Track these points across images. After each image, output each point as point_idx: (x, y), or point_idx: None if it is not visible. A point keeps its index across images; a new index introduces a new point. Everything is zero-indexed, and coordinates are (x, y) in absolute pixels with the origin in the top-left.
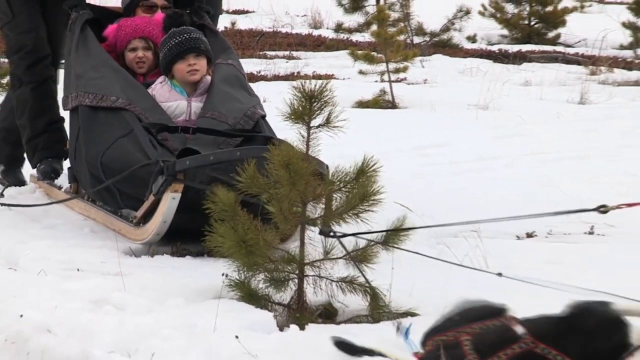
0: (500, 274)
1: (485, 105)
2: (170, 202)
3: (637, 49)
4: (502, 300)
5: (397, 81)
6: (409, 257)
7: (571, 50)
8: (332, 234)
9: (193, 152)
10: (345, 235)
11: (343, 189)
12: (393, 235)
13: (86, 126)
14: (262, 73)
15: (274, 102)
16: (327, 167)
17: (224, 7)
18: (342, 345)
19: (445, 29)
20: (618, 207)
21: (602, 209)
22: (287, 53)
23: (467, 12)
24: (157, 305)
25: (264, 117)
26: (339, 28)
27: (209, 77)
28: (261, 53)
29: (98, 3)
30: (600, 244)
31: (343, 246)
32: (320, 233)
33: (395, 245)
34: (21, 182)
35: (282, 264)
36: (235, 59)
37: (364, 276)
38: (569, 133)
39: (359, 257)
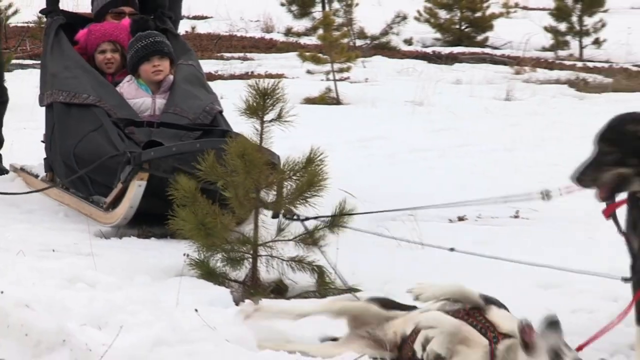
0: (452, 249)
1: (420, 102)
2: (136, 189)
3: (557, 51)
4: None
5: (341, 80)
6: (352, 240)
7: (498, 52)
8: (295, 217)
9: (157, 144)
10: (307, 218)
11: (293, 177)
12: (340, 219)
13: (60, 121)
14: (220, 73)
15: (231, 99)
16: (278, 157)
17: (185, 13)
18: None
19: (385, 32)
20: (560, 192)
21: (545, 196)
22: (242, 55)
23: (404, 18)
24: (125, 283)
25: (221, 112)
26: (288, 32)
27: (171, 77)
28: (218, 55)
29: (70, 9)
30: (524, 226)
31: (306, 228)
32: (273, 217)
33: (355, 227)
34: (1, 172)
35: (238, 245)
36: (195, 60)
37: (325, 257)
38: (496, 127)
39: (309, 240)
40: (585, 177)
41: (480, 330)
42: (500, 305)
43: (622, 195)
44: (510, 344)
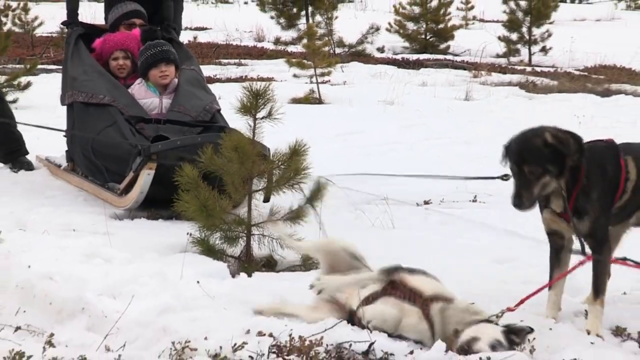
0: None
1: (391, 101)
2: (146, 177)
3: (509, 57)
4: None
5: (322, 83)
6: (332, 221)
7: (458, 58)
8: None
9: (164, 138)
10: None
11: (281, 166)
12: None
13: (80, 118)
14: (218, 76)
15: (227, 99)
16: (268, 149)
17: (187, 24)
18: None
19: (360, 42)
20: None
21: (505, 177)
22: (237, 61)
23: (377, 29)
24: (136, 258)
25: (219, 110)
26: (277, 41)
27: (176, 80)
28: (217, 61)
29: (88, 21)
30: (481, 209)
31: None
32: (264, 200)
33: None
34: (30, 167)
35: (234, 225)
36: (196, 65)
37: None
38: (456, 123)
39: (294, 215)
40: (523, 200)
41: (409, 300)
42: (413, 271)
43: None
44: (440, 306)
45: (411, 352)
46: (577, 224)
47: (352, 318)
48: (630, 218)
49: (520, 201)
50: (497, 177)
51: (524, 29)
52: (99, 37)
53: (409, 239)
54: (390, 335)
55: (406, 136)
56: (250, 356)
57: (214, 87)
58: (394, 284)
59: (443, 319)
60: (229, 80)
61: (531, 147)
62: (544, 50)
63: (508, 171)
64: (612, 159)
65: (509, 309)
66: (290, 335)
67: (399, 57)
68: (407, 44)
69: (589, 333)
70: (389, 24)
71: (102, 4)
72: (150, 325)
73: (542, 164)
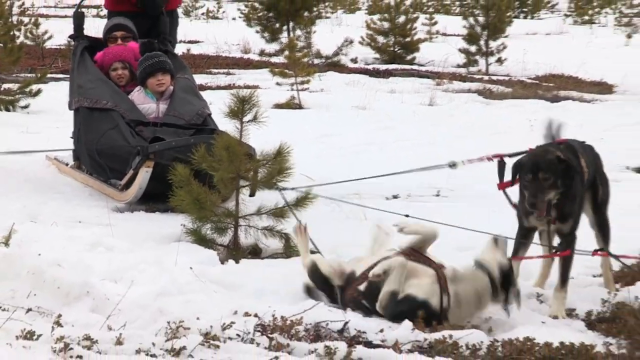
0: (407, 215)
1: (364, 107)
2: (144, 174)
3: (469, 67)
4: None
5: (302, 90)
6: (310, 214)
7: (423, 68)
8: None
9: (160, 139)
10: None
11: (266, 165)
12: (301, 201)
13: (85, 121)
14: (208, 84)
15: (217, 104)
16: (254, 149)
17: (181, 38)
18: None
19: (336, 53)
20: (463, 163)
21: (452, 165)
22: (225, 70)
23: (351, 42)
24: (136, 247)
25: (210, 115)
26: (262, 53)
27: (171, 87)
28: (207, 70)
29: (93, 35)
30: (444, 202)
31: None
32: (251, 195)
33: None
34: None
35: (223, 217)
36: (189, 74)
37: (297, 221)
38: (422, 126)
39: (278, 212)
40: (538, 202)
41: (424, 264)
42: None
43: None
44: (453, 269)
45: (381, 330)
46: (561, 226)
47: (346, 285)
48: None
49: (535, 204)
50: (445, 165)
51: (482, 42)
52: (101, 49)
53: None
54: (365, 315)
55: (377, 138)
56: (237, 334)
57: (205, 94)
58: (411, 251)
59: (454, 280)
60: (218, 87)
61: (546, 160)
62: (499, 61)
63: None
64: (576, 161)
65: None
66: (273, 315)
67: (370, 67)
68: (377, 56)
69: (556, 317)
70: (362, 37)
71: (105, 20)
72: (148, 307)
73: (554, 177)
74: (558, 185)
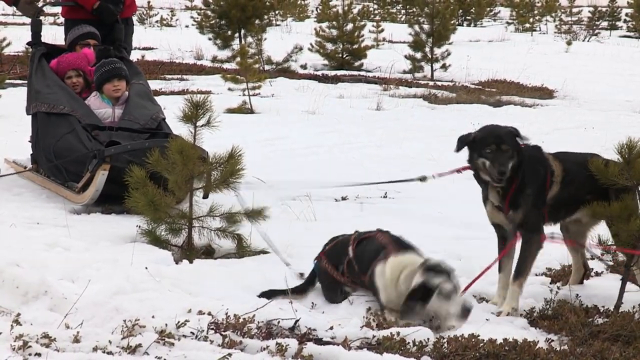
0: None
1: (313, 111)
2: (101, 177)
3: (414, 73)
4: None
5: (253, 95)
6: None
7: (370, 74)
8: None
9: (116, 143)
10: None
11: (218, 167)
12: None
13: (43, 126)
14: (163, 90)
15: (171, 109)
16: (207, 153)
17: (136, 44)
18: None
19: (286, 60)
20: (434, 176)
21: (422, 179)
22: (179, 76)
23: (301, 49)
24: (92, 247)
25: (164, 119)
26: (214, 59)
27: (127, 93)
28: (162, 76)
29: (50, 42)
30: (391, 203)
31: (241, 203)
32: (204, 197)
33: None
34: None
35: (178, 219)
36: (144, 80)
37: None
38: (369, 129)
39: (229, 215)
40: (506, 170)
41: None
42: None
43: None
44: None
45: (331, 328)
46: (513, 216)
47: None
48: (575, 213)
49: (504, 171)
50: (416, 179)
51: (427, 49)
52: (58, 56)
53: (329, 229)
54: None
55: (326, 141)
56: (191, 332)
57: (159, 99)
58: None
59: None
60: (172, 93)
61: (503, 133)
62: (444, 67)
63: (393, 175)
64: (540, 157)
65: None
66: (226, 313)
67: (319, 73)
68: (326, 62)
69: (507, 314)
70: (311, 44)
71: (62, 27)
72: (105, 305)
73: (513, 149)
74: (514, 156)
